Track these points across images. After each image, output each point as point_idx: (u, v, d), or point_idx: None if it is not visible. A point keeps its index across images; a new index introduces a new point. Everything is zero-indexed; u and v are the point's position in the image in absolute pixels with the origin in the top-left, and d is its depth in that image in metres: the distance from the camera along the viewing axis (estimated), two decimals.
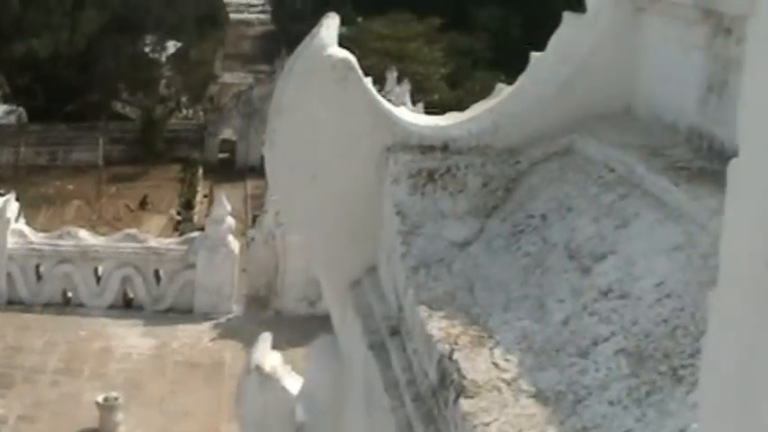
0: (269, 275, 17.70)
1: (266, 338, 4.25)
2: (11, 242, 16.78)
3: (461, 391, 2.42)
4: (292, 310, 16.89)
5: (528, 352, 2.57)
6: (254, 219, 22.66)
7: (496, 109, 3.76)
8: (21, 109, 38.07)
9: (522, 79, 3.87)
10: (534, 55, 3.95)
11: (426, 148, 3.62)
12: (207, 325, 16.73)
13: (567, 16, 3.85)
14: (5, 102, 39.29)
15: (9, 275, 16.82)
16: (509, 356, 2.56)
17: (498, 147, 3.65)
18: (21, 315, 16.64)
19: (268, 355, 4.17)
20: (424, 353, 2.80)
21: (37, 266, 17.06)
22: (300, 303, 16.83)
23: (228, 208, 17.38)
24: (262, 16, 61.16)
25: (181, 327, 16.63)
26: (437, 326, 2.76)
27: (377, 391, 3.12)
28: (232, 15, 58.02)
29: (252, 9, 62.34)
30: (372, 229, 3.70)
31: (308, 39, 3.70)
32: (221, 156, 37.35)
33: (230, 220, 17.36)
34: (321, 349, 4.20)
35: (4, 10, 37.39)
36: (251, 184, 32.89)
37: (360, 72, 3.64)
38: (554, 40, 3.84)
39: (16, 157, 34.27)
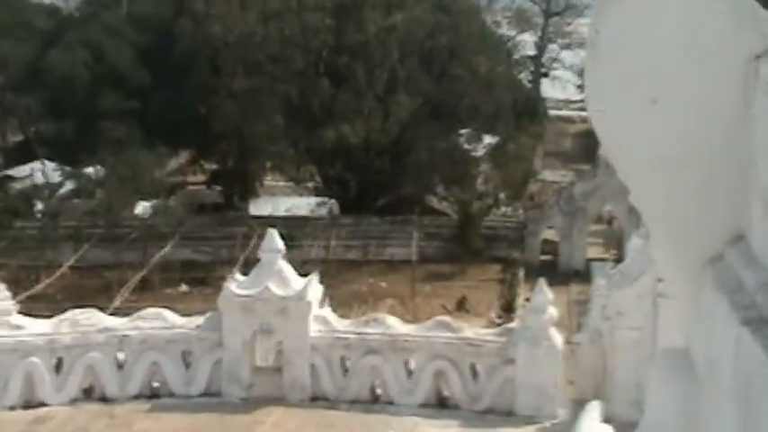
0: (597, 378, 16.34)
1: (595, 407, 4.06)
2: (314, 329, 16.33)
3: None
4: (623, 416, 15.38)
5: None
6: (579, 325, 21.86)
7: None
8: (332, 201, 39.18)
9: None
10: None
11: None
12: (529, 429, 15.54)
13: None
14: (317, 194, 40.64)
15: (313, 367, 16.30)
16: None
17: None
18: (324, 413, 16.35)
19: (597, 427, 4.03)
20: None
21: (341, 358, 16.72)
22: (632, 409, 15.04)
23: (550, 296, 16.33)
24: (583, 113, 60.91)
25: (500, 430, 15.48)
26: None
27: (759, 384, 2.25)
28: (551, 111, 58.31)
29: (572, 105, 62.26)
30: (735, 179, 2.79)
31: None
32: (543, 257, 36.72)
33: (552, 311, 16.29)
34: (664, 367, 3.27)
35: (315, 94, 38.65)
36: (575, 290, 32.08)
37: None
38: None
39: (327, 252, 34.89)
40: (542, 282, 16.83)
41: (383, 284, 34.18)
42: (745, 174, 2.77)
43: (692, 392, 3.03)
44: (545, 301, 16.20)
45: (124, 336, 16.17)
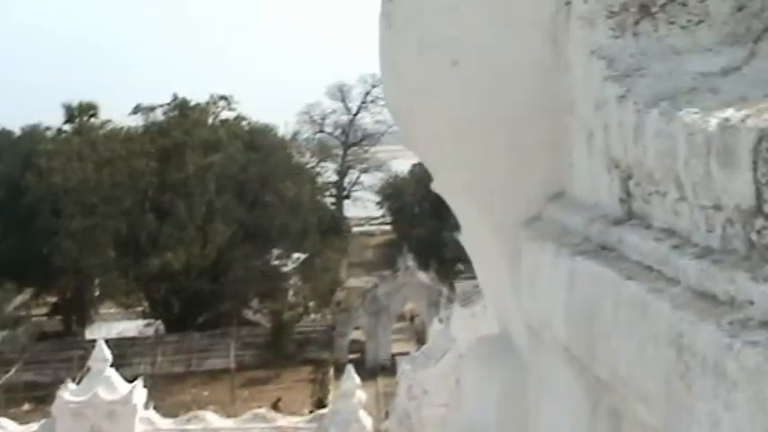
0: None
1: None
2: (140, 430, 16.54)
3: None
4: None
5: None
6: (387, 414, 22.06)
7: None
8: (158, 321, 39.36)
9: None
10: None
11: None
12: None
13: None
14: (145, 316, 40.88)
15: None
16: None
17: None
18: None
19: None
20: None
21: None
22: None
23: (358, 381, 16.68)
24: (383, 227, 63.89)
25: None
26: None
27: (609, 303, 1.73)
28: (354, 229, 59.96)
29: (373, 221, 65.03)
30: (546, 138, 2.45)
31: None
32: (351, 356, 36.67)
33: (360, 394, 16.58)
34: (480, 357, 2.87)
35: (142, 228, 39.83)
36: (382, 383, 32.92)
37: None
38: None
39: (153, 367, 35.04)
40: (350, 368, 17.21)
41: (205, 393, 34.36)
42: (557, 130, 2.41)
43: (513, 378, 2.61)
44: (353, 386, 16.54)
45: None
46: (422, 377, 15.85)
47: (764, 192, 1.30)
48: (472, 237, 2.90)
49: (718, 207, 1.46)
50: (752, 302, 1.25)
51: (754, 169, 1.32)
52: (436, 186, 2.87)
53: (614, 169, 1.96)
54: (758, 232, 1.33)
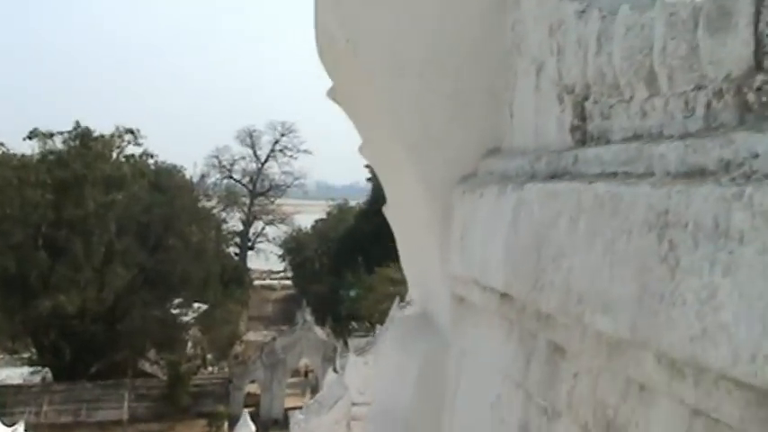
0: None
1: None
2: None
3: None
4: None
5: None
6: None
7: None
8: (46, 369, 37.26)
9: None
10: None
11: None
12: None
13: None
14: (31, 363, 38.54)
15: None
16: None
17: None
18: None
19: None
20: None
21: None
22: None
23: (253, 428, 16.66)
24: (284, 282, 63.62)
25: None
26: None
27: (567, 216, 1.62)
28: (256, 282, 59.57)
29: (274, 275, 64.73)
30: (488, 87, 2.35)
31: None
32: (246, 409, 37.09)
33: None
34: (395, 339, 2.75)
35: (31, 266, 36.87)
36: None
37: None
38: None
39: (38, 417, 33.44)
40: (245, 414, 17.07)
41: None
42: (498, 76, 2.32)
43: (432, 356, 2.50)
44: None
45: None
46: (314, 425, 16.00)
47: (765, 42, 1.20)
48: (400, 205, 2.75)
49: (700, 87, 1.38)
50: (756, 155, 1.13)
51: (756, 22, 1.22)
52: (364, 150, 2.75)
53: (567, 96, 1.87)
54: (758, 89, 1.24)
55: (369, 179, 50.45)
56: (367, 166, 49.19)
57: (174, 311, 41.77)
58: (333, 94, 2.71)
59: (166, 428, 35.09)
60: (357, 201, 58.82)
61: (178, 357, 38.85)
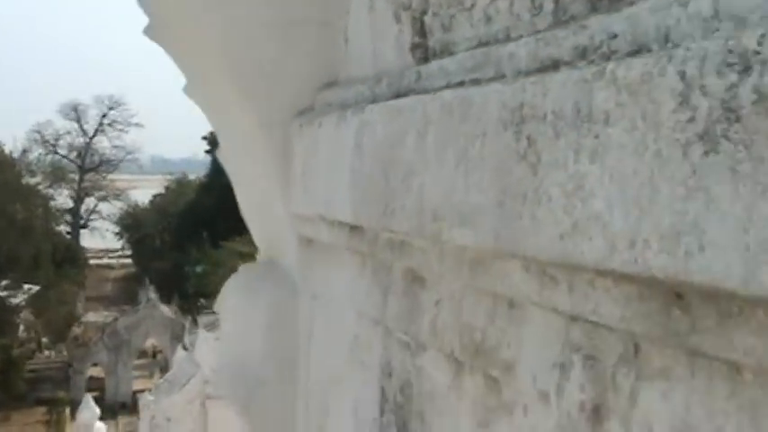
0: None
1: None
2: None
3: None
4: None
5: None
6: None
7: None
8: None
9: None
10: None
11: None
12: None
13: None
14: None
15: None
16: None
17: None
18: None
19: None
20: None
21: None
22: None
23: (97, 411, 16.11)
24: (123, 260, 61.70)
25: None
26: None
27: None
28: (92, 261, 57.91)
29: (111, 254, 62.60)
30: (319, 13, 2.24)
31: None
32: (90, 393, 36.11)
33: (100, 425, 16.06)
34: (240, 288, 2.59)
35: None
36: (123, 422, 31.89)
37: None
38: None
39: None
40: (88, 397, 16.60)
41: None
42: (332, 7, 2.21)
43: (281, 303, 2.38)
44: (91, 416, 16.02)
45: None
46: (165, 405, 15.13)
47: None
48: (234, 147, 2.60)
49: None
50: (614, 36, 1.05)
51: None
52: (189, 90, 2.58)
53: (404, 13, 1.77)
54: None
55: (207, 151, 49.47)
56: (205, 138, 48.50)
57: (2, 293, 39.81)
58: (151, 32, 2.51)
59: (1, 418, 33.60)
60: (197, 174, 57.47)
61: (9, 341, 37.22)
